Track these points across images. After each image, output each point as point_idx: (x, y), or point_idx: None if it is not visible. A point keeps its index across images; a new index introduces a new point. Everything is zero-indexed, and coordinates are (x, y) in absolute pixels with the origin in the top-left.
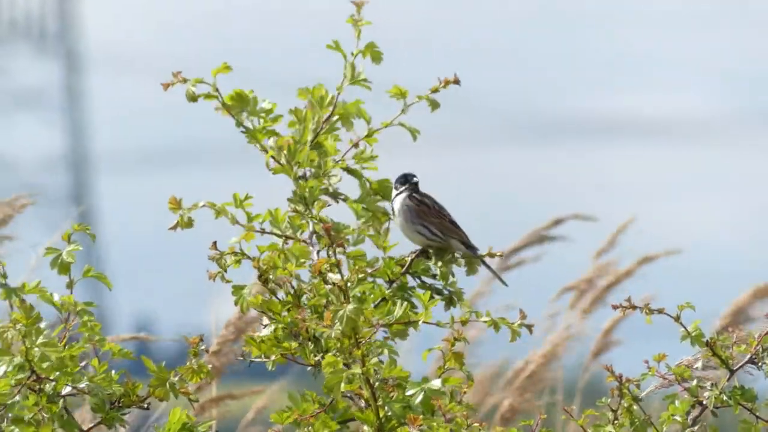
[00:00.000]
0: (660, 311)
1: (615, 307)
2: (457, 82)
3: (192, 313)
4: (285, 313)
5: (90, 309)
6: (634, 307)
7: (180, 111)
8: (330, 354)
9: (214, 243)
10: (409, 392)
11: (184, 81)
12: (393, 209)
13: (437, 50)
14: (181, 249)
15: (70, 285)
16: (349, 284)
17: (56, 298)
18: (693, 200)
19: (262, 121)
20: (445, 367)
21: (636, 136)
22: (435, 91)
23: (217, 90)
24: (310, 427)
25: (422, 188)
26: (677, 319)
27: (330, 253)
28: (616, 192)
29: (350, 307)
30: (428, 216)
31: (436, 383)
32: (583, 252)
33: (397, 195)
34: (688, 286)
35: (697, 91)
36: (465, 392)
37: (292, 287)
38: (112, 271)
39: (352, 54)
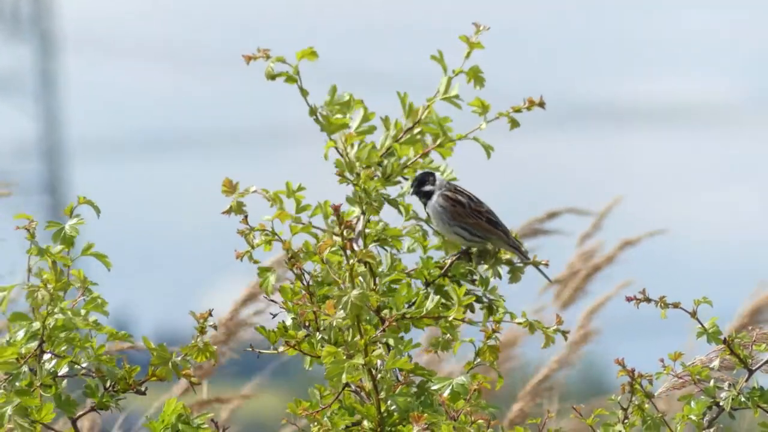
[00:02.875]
0: (675, 305)
1: (629, 300)
2: (542, 105)
3: (174, 311)
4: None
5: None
6: (649, 300)
7: (162, 98)
8: (330, 345)
9: (245, 217)
10: (434, 387)
11: (267, 57)
12: (426, 212)
13: (450, 33)
14: (163, 244)
15: (68, 262)
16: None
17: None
18: (718, 190)
19: (340, 115)
20: (475, 361)
21: (656, 122)
22: (517, 111)
23: (297, 73)
24: (318, 424)
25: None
26: (694, 314)
27: (340, 234)
28: (636, 180)
29: (355, 292)
30: (464, 217)
31: (463, 379)
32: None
33: (429, 196)
34: (697, 280)
35: (722, 74)
36: (477, 389)
37: (318, 275)
38: (88, 265)
39: (454, 72)
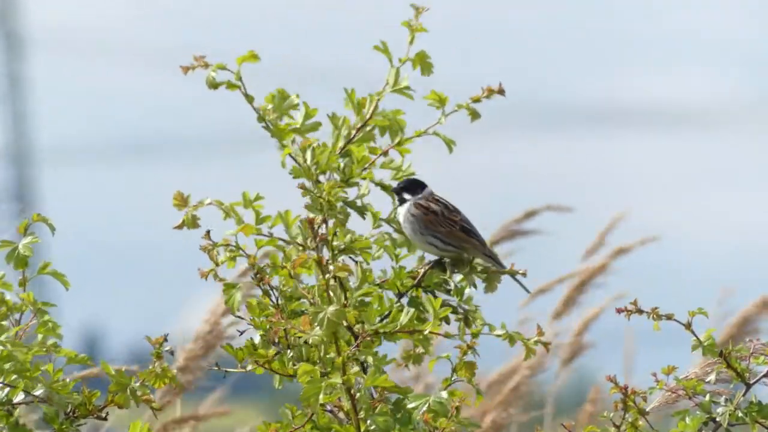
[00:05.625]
0: (669, 317)
1: (619, 311)
2: (501, 92)
3: (148, 325)
4: (263, 318)
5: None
6: (641, 312)
7: (137, 101)
8: (306, 363)
9: (208, 232)
10: (411, 405)
11: (206, 66)
12: (399, 220)
13: (433, 29)
14: (139, 253)
15: (23, 282)
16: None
17: (8, 296)
18: (714, 195)
19: (287, 118)
20: (453, 378)
21: (649, 124)
22: (476, 100)
23: (240, 79)
24: None
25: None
26: (688, 326)
27: (314, 248)
28: (624, 185)
29: (331, 308)
30: (436, 225)
31: (441, 395)
32: (562, 248)
33: (401, 203)
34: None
35: (724, 75)
36: (457, 406)
37: (287, 290)
38: (51, 280)
39: (400, 60)
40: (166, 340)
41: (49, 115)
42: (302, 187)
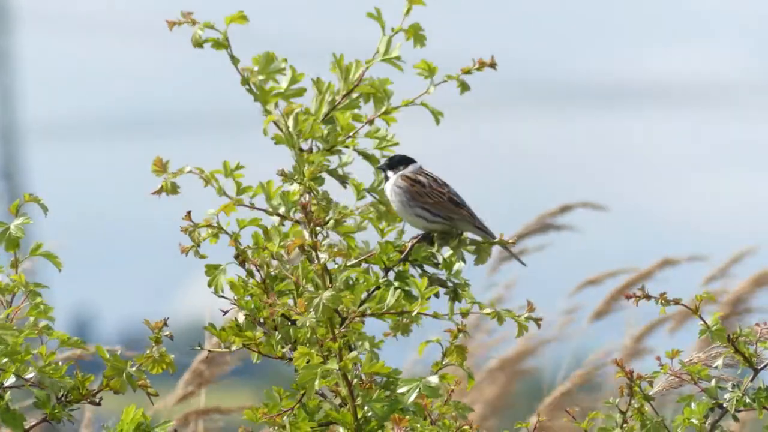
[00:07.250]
0: (676, 302)
1: (628, 297)
2: (493, 65)
3: (139, 309)
4: (248, 298)
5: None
6: (649, 298)
7: (125, 76)
8: (302, 346)
9: (188, 213)
10: (401, 390)
11: (193, 23)
12: (386, 195)
13: (444, 7)
14: (131, 235)
15: (15, 264)
16: (334, 265)
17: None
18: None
19: (272, 82)
20: (444, 362)
21: (674, 103)
22: (467, 72)
23: (227, 39)
24: (281, 428)
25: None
26: (695, 311)
27: (308, 232)
28: (648, 168)
29: (327, 293)
30: (423, 196)
31: (432, 380)
32: (593, 242)
33: (387, 180)
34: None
35: (740, 52)
36: (452, 390)
37: (271, 269)
38: (44, 263)
39: (393, 30)
40: (166, 324)
41: (38, 91)
42: (282, 173)
